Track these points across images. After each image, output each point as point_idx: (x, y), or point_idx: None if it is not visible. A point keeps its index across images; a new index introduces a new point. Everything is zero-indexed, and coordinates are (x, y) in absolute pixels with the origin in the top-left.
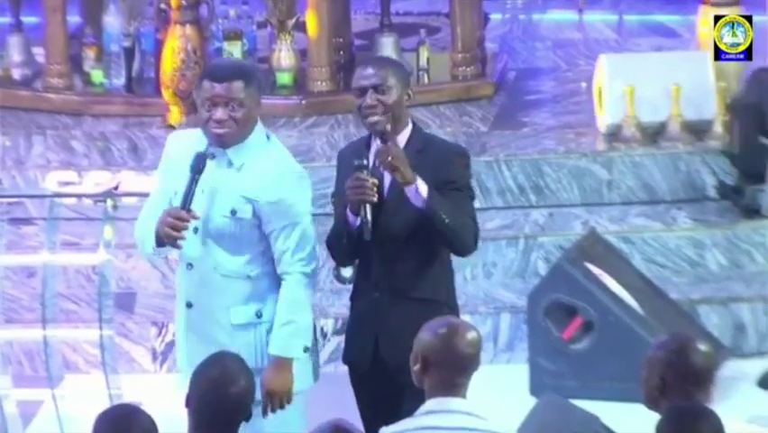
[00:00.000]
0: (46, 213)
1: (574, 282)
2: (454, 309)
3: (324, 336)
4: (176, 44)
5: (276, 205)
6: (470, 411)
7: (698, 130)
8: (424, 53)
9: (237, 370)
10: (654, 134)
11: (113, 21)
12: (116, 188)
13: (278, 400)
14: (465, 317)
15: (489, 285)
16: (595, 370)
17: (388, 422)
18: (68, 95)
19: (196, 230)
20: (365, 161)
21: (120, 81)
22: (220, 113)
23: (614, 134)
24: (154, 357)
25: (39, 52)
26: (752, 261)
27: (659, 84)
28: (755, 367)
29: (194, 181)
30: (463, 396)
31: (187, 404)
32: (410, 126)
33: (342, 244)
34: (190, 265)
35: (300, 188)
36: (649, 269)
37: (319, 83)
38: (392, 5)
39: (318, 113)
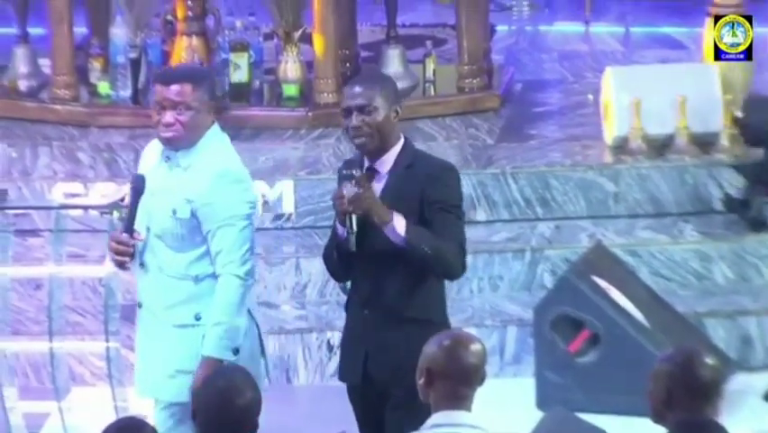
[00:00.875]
0: (52, 225)
1: (581, 295)
2: (444, 328)
3: (331, 348)
4: (182, 56)
5: (210, 206)
6: (476, 425)
7: (704, 142)
8: (430, 65)
9: (243, 382)
10: (661, 147)
11: (119, 32)
12: (122, 199)
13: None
14: (471, 330)
15: (495, 298)
16: (601, 383)
17: None
18: (74, 106)
19: (148, 230)
20: (354, 172)
21: (126, 93)
22: (167, 116)
23: (620, 147)
24: None
25: (45, 64)
26: (758, 274)
27: (665, 96)
28: (762, 381)
29: (135, 203)
30: (468, 409)
31: (193, 417)
32: (401, 142)
33: (334, 258)
34: (142, 264)
35: (236, 190)
36: (656, 282)
37: (325, 95)
38: (398, 17)
39: (324, 125)
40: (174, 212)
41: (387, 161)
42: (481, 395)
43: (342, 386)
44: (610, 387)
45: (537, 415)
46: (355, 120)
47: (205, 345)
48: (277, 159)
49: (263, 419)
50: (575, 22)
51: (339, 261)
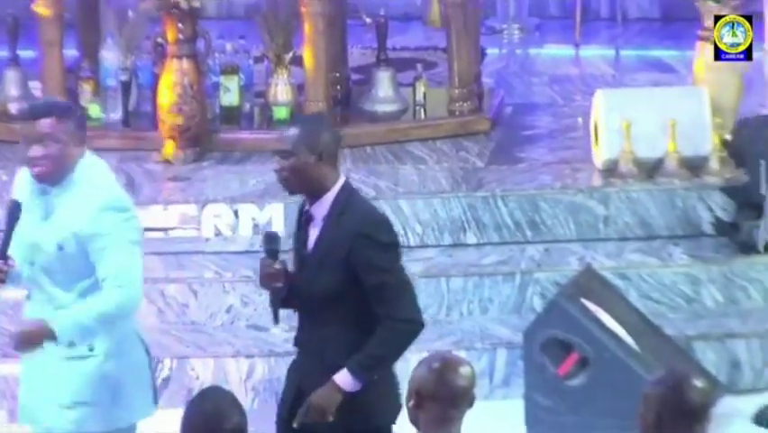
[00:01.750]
0: None
1: (570, 318)
2: (387, 379)
3: None
4: (172, 78)
5: (96, 237)
6: None
7: (694, 166)
8: (420, 88)
9: (230, 406)
10: (651, 170)
11: (110, 55)
12: None
13: (24, 345)
14: (461, 353)
15: (484, 321)
16: (591, 406)
17: None
18: None
19: (32, 263)
20: (274, 247)
21: (117, 115)
22: (33, 150)
23: (610, 170)
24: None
25: (36, 86)
26: (748, 297)
27: (656, 119)
28: (751, 404)
29: (10, 229)
30: (458, 431)
31: None
32: (338, 185)
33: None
34: (29, 297)
35: (121, 218)
36: (645, 305)
37: None
38: (389, 40)
39: None
40: (60, 247)
41: (323, 206)
42: (471, 418)
43: None
44: (600, 410)
45: None
46: (276, 163)
47: (58, 319)
48: (267, 182)
49: None
50: (565, 45)
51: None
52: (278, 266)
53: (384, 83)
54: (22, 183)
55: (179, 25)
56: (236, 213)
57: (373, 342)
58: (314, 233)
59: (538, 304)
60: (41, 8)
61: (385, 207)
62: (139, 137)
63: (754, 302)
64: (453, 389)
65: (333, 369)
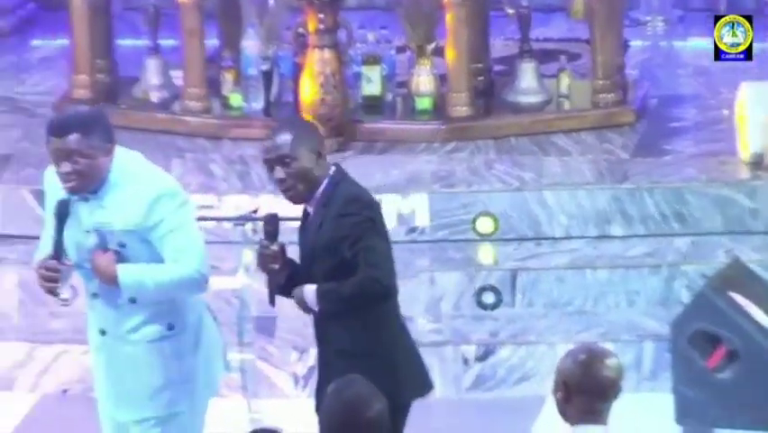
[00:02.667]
0: None
1: (718, 311)
2: (385, 359)
3: (467, 361)
4: (314, 68)
5: (157, 226)
6: None
7: None
8: (564, 80)
9: (370, 394)
10: None
11: (251, 44)
12: (255, 211)
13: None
14: (608, 345)
15: (631, 313)
16: (740, 399)
17: None
18: (205, 118)
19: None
20: (272, 228)
21: (258, 105)
22: (63, 167)
23: (757, 163)
24: (296, 382)
25: (177, 75)
26: None
27: None
28: None
29: (60, 229)
30: (605, 423)
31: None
32: (326, 180)
33: None
34: (95, 295)
35: (175, 203)
36: None
37: (459, 108)
38: (532, 31)
39: (458, 138)
40: (123, 245)
41: (315, 202)
42: (619, 410)
43: (479, 399)
44: (749, 403)
45: (676, 431)
46: (277, 173)
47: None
48: (410, 172)
49: None
50: (709, 37)
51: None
52: (275, 248)
53: (527, 74)
54: (53, 181)
55: (320, 15)
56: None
57: (348, 282)
58: (310, 228)
59: (685, 296)
60: None
61: (530, 198)
62: None
63: None
64: (601, 381)
65: (341, 355)
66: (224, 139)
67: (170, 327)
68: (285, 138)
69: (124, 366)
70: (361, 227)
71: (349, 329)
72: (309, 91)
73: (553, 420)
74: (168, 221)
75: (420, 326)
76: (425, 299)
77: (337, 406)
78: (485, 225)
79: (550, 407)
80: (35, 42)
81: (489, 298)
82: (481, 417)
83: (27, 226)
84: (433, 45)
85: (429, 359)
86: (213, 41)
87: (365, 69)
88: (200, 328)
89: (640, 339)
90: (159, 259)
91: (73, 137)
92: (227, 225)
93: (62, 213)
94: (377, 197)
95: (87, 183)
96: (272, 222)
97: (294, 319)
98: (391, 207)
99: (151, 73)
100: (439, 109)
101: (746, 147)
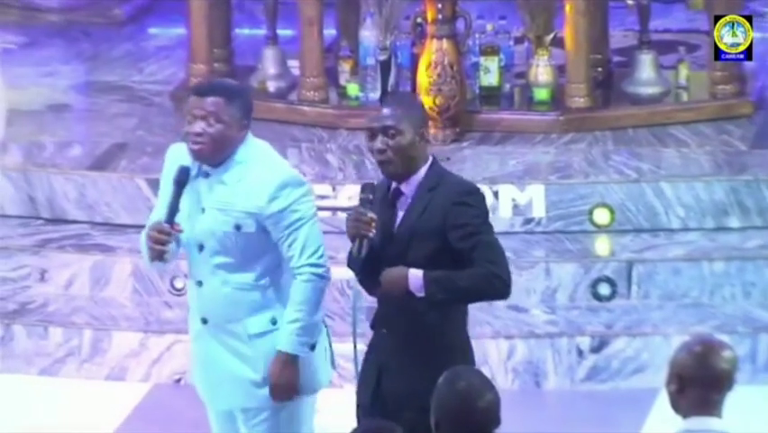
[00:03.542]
0: None
1: None
2: (461, 352)
3: (581, 353)
4: (432, 58)
5: (279, 214)
6: (728, 431)
7: None
8: (683, 71)
9: (481, 383)
10: None
11: (369, 34)
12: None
13: (284, 394)
14: (723, 337)
15: (747, 305)
16: None
17: None
18: (322, 108)
19: (201, 248)
20: (371, 196)
21: (375, 95)
22: (197, 126)
23: None
24: None
25: (294, 65)
26: None
27: None
28: None
29: (178, 195)
30: (719, 415)
31: (436, 429)
32: (427, 164)
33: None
34: (200, 283)
35: (299, 194)
36: None
37: (577, 99)
38: (651, 22)
39: (576, 129)
40: (238, 228)
41: (412, 183)
42: (733, 402)
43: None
44: None
45: None
46: (379, 142)
47: (280, 341)
48: (527, 163)
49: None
50: None
51: (357, 276)
52: (371, 215)
53: (646, 65)
54: (179, 157)
55: (438, 5)
56: (496, 194)
57: (464, 273)
58: (402, 208)
59: None
60: None
61: (647, 190)
62: None
63: None
64: (715, 372)
65: (417, 348)
66: (340, 129)
67: (274, 322)
68: (394, 111)
69: (224, 357)
70: (480, 220)
71: (435, 324)
72: (427, 81)
73: (668, 412)
74: (290, 211)
75: (535, 317)
76: (540, 290)
77: (450, 396)
78: (602, 216)
79: (664, 399)
80: (152, 31)
81: (604, 289)
82: (595, 408)
83: (142, 216)
84: (551, 36)
85: (543, 350)
86: (330, 31)
87: (483, 60)
88: None
89: (755, 331)
90: (268, 249)
91: (214, 99)
92: (342, 215)
93: (182, 180)
94: (494, 187)
95: (214, 151)
96: (369, 190)
97: None
98: (508, 198)
99: (269, 63)
100: (557, 100)
101: None
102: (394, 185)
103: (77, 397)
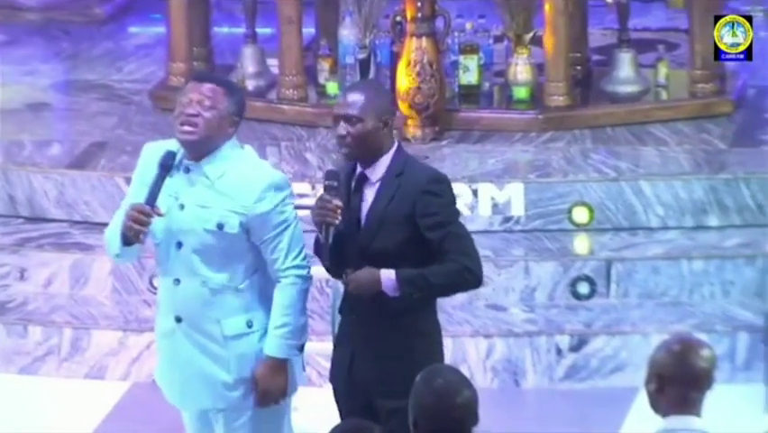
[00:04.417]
0: None
1: None
2: (431, 337)
3: (560, 352)
4: (411, 57)
5: (266, 215)
6: (707, 430)
7: None
8: (662, 69)
9: (458, 380)
10: None
11: (348, 33)
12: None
13: (271, 398)
14: (702, 336)
15: (726, 304)
16: None
17: None
18: (302, 106)
19: (179, 245)
20: (335, 183)
21: None
22: (192, 108)
23: None
24: None
25: (273, 64)
26: None
27: None
28: None
29: (161, 178)
30: (698, 414)
31: (414, 426)
32: (392, 150)
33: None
34: (177, 281)
35: (282, 196)
36: None
37: (556, 98)
38: (630, 21)
39: (555, 128)
40: (220, 226)
41: (378, 169)
42: (712, 401)
43: (572, 389)
44: None
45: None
46: (340, 129)
47: (268, 346)
48: (506, 161)
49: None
50: None
51: (323, 263)
52: (337, 202)
53: (625, 64)
54: (156, 156)
55: (418, 4)
56: (475, 192)
57: (435, 269)
58: (369, 194)
59: None
60: None
61: (626, 188)
62: None
63: None
64: (695, 371)
65: (386, 333)
66: (319, 127)
67: (250, 325)
68: (357, 98)
69: (196, 357)
70: (449, 210)
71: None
72: (406, 80)
73: (647, 411)
74: (277, 213)
75: (514, 315)
76: (519, 289)
77: (427, 394)
78: (581, 215)
79: (643, 398)
80: (132, 30)
81: (583, 288)
82: (574, 407)
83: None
84: (531, 34)
85: (522, 349)
86: (310, 30)
87: (462, 58)
88: None
89: (734, 330)
90: (248, 249)
91: (213, 86)
92: None
93: (167, 163)
94: (473, 185)
95: (203, 137)
96: (333, 176)
97: None
98: (487, 197)
99: (248, 61)
100: (536, 99)
101: None
102: (359, 170)
103: (57, 395)
